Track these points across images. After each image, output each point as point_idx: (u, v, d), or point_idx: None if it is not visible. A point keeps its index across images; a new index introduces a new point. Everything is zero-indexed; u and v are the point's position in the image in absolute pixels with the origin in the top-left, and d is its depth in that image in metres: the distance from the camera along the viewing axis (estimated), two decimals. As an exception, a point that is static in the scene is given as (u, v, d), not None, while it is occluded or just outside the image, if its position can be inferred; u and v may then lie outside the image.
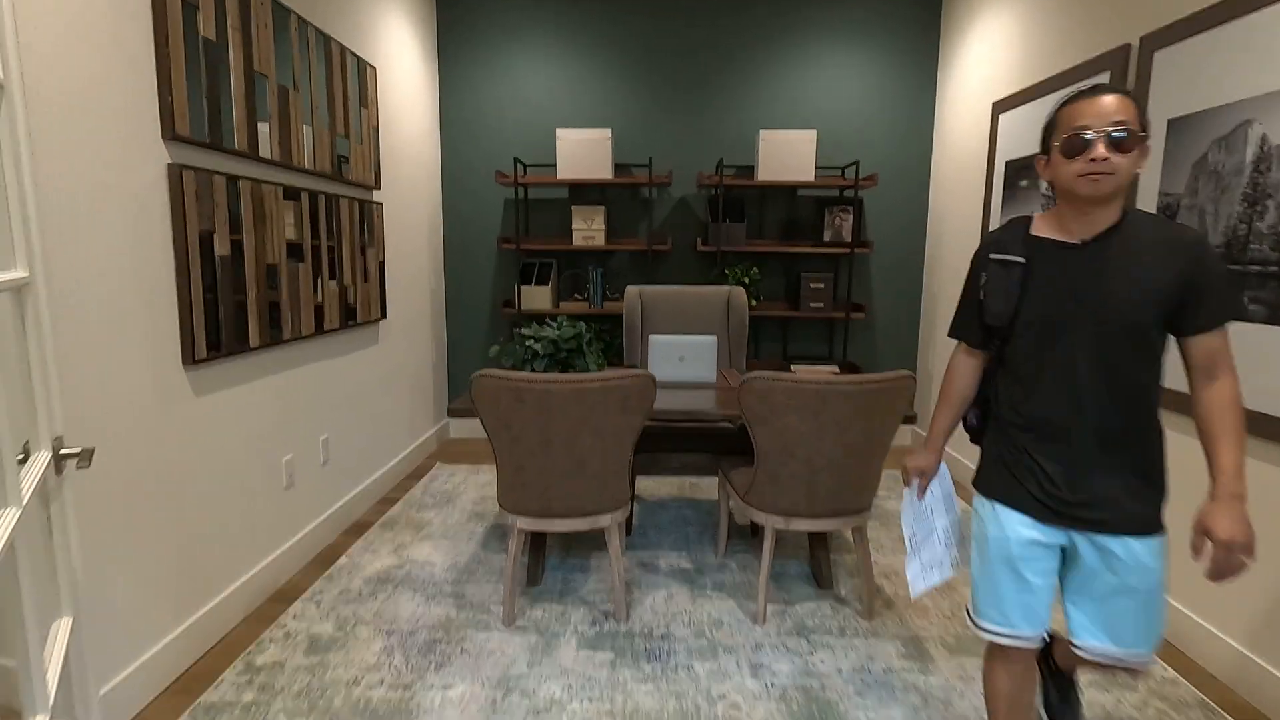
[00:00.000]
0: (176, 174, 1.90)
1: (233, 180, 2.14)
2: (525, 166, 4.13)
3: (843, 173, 4.19)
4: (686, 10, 4.10)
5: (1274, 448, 1.85)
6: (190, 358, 1.98)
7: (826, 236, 4.13)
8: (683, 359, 2.77)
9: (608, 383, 1.99)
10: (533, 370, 2.53)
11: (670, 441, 3.03)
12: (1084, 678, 1.99)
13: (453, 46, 4.16)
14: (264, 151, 2.30)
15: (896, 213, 4.27)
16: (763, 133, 3.86)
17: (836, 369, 4.01)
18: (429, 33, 4.04)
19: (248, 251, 2.23)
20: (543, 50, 4.15)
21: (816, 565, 2.58)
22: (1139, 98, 2.38)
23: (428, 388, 4.15)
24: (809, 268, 4.31)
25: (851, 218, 4.06)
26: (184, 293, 1.95)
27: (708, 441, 3.03)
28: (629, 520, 3.06)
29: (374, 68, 3.20)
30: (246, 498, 2.31)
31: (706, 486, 3.62)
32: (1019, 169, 3.16)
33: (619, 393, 2.01)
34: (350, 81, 2.95)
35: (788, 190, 4.22)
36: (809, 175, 3.89)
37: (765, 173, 3.90)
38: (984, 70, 3.53)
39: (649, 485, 3.63)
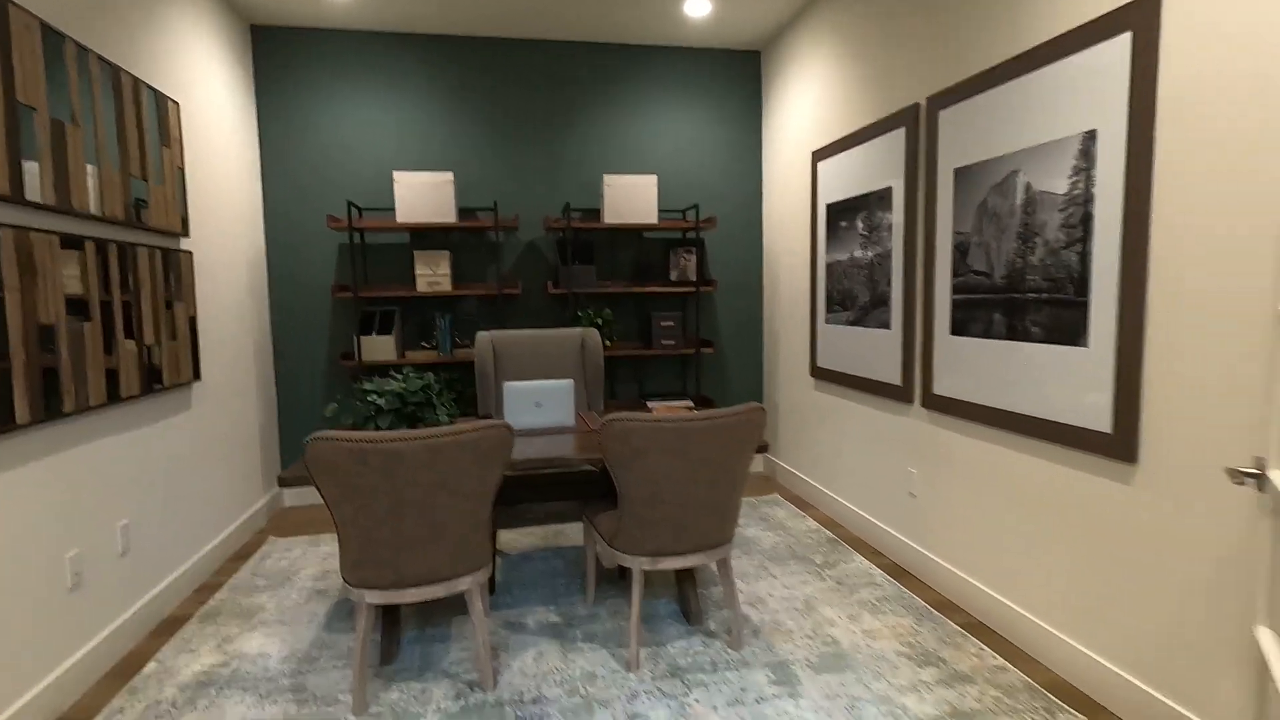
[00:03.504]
0: (-93, 221, 1.57)
1: (-10, 228, 1.80)
2: (360, 210, 3.91)
3: (684, 215, 4.39)
4: (525, 57, 4.14)
5: (1056, 449, 2.13)
6: (-70, 443, 1.61)
7: (673, 276, 4.28)
8: (539, 405, 2.70)
9: (461, 436, 1.87)
10: (377, 428, 2.34)
11: (531, 491, 2.93)
12: (928, 673, 2.13)
13: (273, 83, 3.88)
14: (31, 194, 1.97)
15: (736, 252, 4.52)
16: (607, 177, 3.95)
17: (691, 404, 4.12)
18: (243, 67, 3.74)
19: (10, 310, 1.88)
20: (375, 91, 3.99)
21: (685, 602, 2.59)
22: (930, 150, 2.72)
23: (254, 455, 3.72)
24: (659, 307, 4.44)
25: (695, 258, 4.24)
26: (-80, 364, 1.59)
27: (570, 488, 2.96)
28: (491, 579, 2.89)
29: (176, 102, 2.88)
30: (15, 608, 1.90)
31: (572, 533, 3.54)
32: (839, 211, 3.47)
33: (474, 445, 1.91)
34: (147, 116, 2.63)
35: (634, 233, 4.34)
36: (653, 218, 4.03)
37: (611, 216, 3.99)
38: (802, 122, 3.88)
39: (511, 538, 3.47)
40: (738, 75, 4.39)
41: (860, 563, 3.06)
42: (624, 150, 4.29)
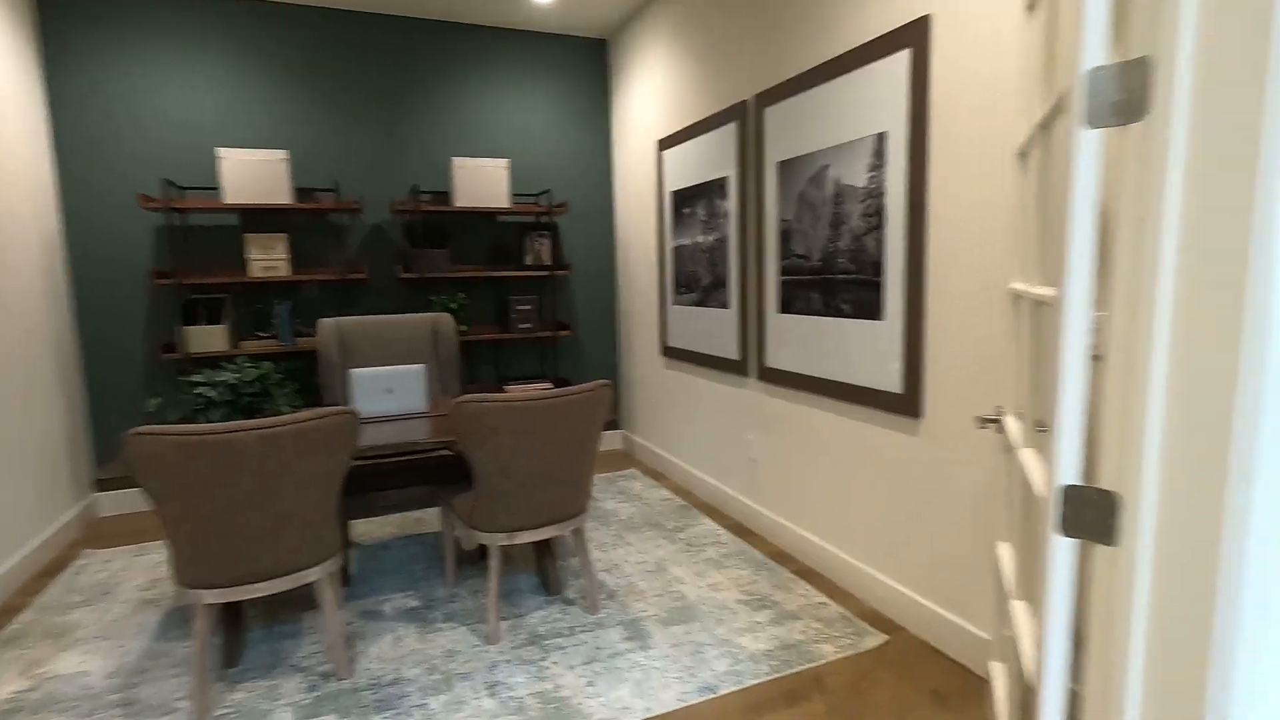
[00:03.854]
0: None
1: None
2: (182, 189, 3.58)
3: (537, 200, 4.43)
4: (366, 32, 3.96)
5: (864, 410, 2.46)
6: None
7: (528, 260, 4.32)
8: (391, 391, 2.67)
9: (302, 424, 1.84)
10: (209, 421, 2.22)
11: (387, 478, 2.89)
12: (763, 615, 2.40)
13: (64, 50, 3.44)
14: None
15: (590, 237, 4.64)
16: (455, 160, 3.91)
17: (550, 385, 4.21)
18: (24, 31, 3.28)
19: None
20: (197, 59, 3.65)
21: (545, 573, 2.69)
22: (757, 144, 2.96)
23: (58, 460, 3.34)
24: (515, 291, 4.46)
25: (550, 242, 4.31)
26: None
27: (427, 473, 2.95)
28: (345, 570, 2.83)
29: (-62, 62, 2.50)
30: None
31: (432, 519, 3.52)
32: (683, 198, 3.68)
33: (318, 433, 1.88)
34: (-101, 77, 2.27)
35: (487, 216, 4.32)
36: (505, 202, 4.04)
37: (462, 199, 3.95)
38: (648, 112, 4.04)
39: (368, 528, 3.40)
40: (586, 63, 4.48)
41: (708, 525, 3.32)
42: (473, 133, 4.25)
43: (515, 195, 4.38)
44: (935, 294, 2.13)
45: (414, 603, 2.59)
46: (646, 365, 4.37)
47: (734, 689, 2.01)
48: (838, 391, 2.57)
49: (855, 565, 2.57)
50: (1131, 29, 0.89)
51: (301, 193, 3.90)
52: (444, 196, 4.20)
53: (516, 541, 2.29)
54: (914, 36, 2.10)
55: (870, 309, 2.38)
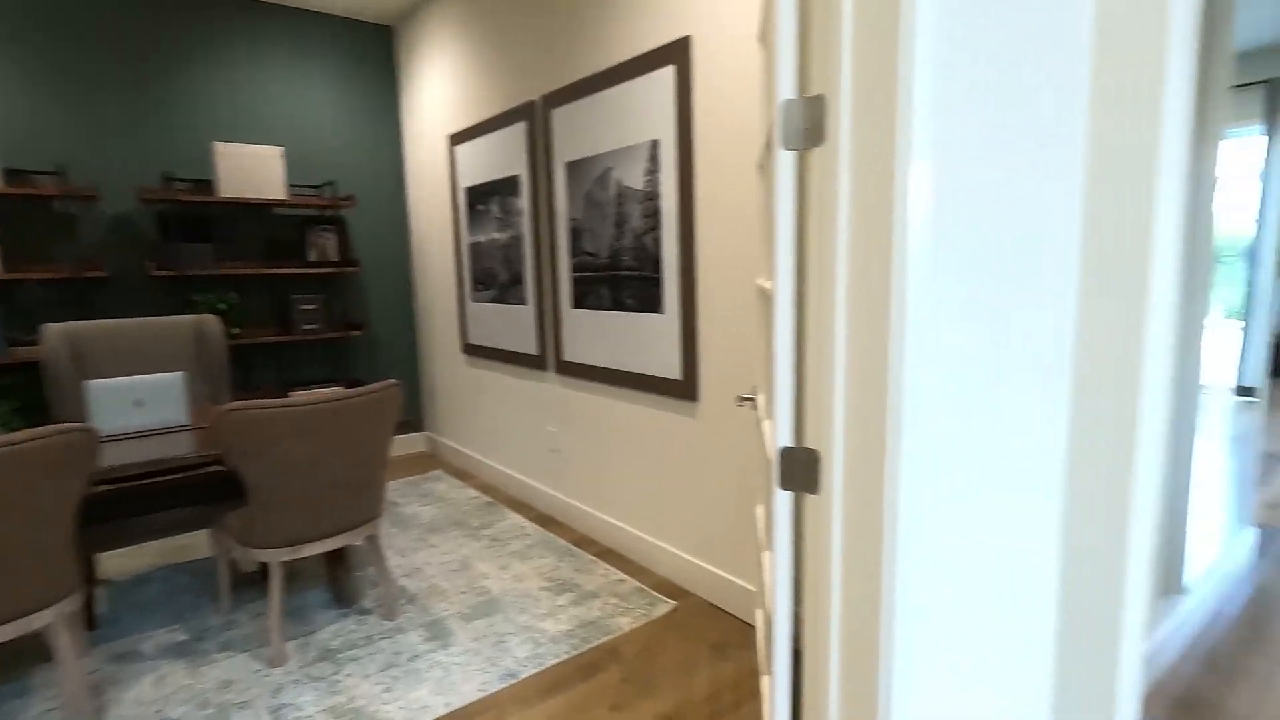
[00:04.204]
0: None
1: None
2: None
3: (319, 191, 4.13)
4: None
5: (651, 396, 2.65)
6: None
7: (312, 256, 4.03)
8: (141, 403, 2.37)
9: (16, 447, 1.59)
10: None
11: (142, 502, 2.55)
12: (564, 598, 2.50)
13: None
14: None
15: (382, 232, 4.43)
16: (218, 145, 3.53)
17: (342, 388, 3.96)
18: None
19: None
20: None
21: (337, 585, 2.56)
22: (546, 144, 3.05)
23: None
24: (298, 289, 4.13)
25: (336, 237, 4.05)
26: None
27: (193, 492, 2.65)
28: (89, 610, 2.47)
29: None
30: None
31: (202, 542, 3.16)
32: (478, 195, 3.66)
33: (38, 456, 1.63)
34: None
35: (262, 209, 3.95)
36: (280, 193, 3.72)
37: (228, 188, 3.57)
38: (439, 105, 3.95)
39: (122, 562, 2.97)
40: (372, 50, 4.26)
41: (514, 519, 3.36)
42: (241, 117, 3.86)
43: (294, 187, 4.05)
44: (705, 289, 2.36)
45: (182, 636, 2.34)
46: (448, 364, 4.28)
47: (535, 671, 2.09)
48: (628, 381, 2.74)
49: (649, 541, 2.77)
50: (813, 71, 1.09)
51: (11, 175, 3.28)
52: (206, 185, 3.77)
53: (301, 555, 2.16)
54: (677, 54, 2.30)
55: (653, 303, 2.57)
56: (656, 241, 2.51)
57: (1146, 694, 1.91)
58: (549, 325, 3.22)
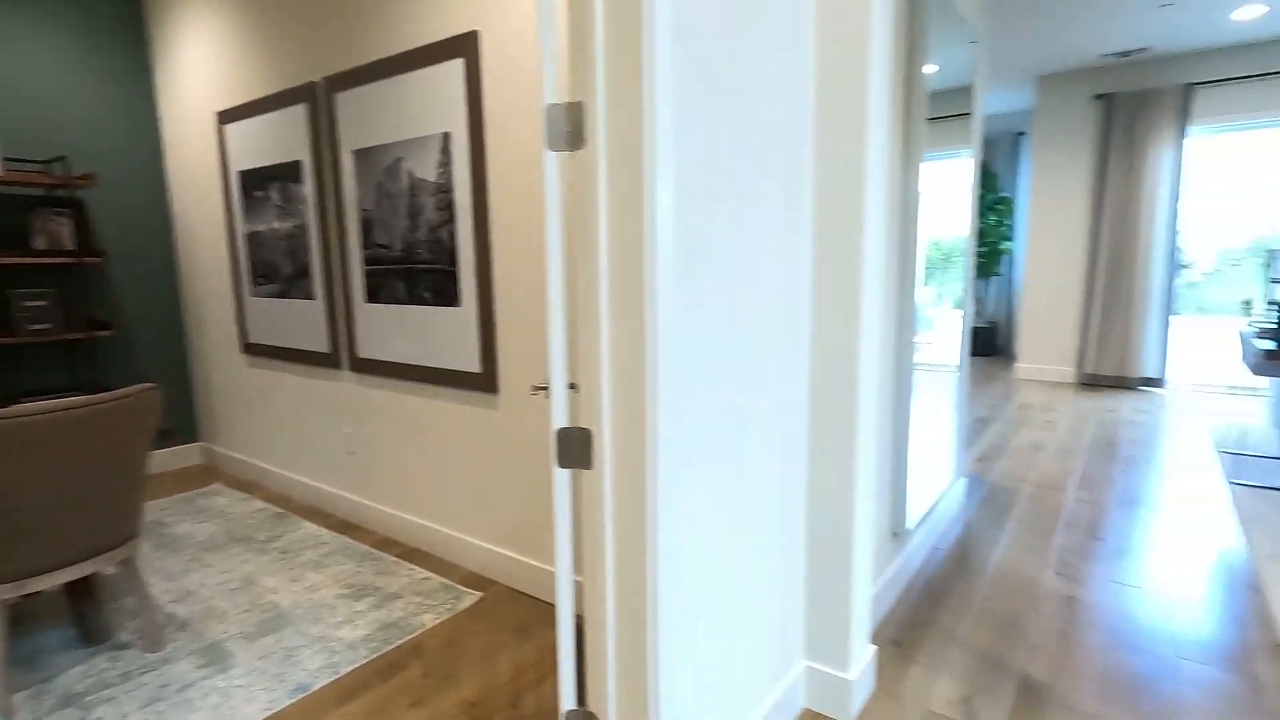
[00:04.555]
0: None
1: None
2: None
3: (46, 168, 3.52)
4: None
5: (451, 390, 2.63)
6: None
7: (39, 244, 3.42)
8: None
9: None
10: None
11: None
12: (364, 603, 2.41)
13: None
14: None
15: (136, 217, 3.87)
16: (-104, 105, 2.87)
17: (84, 396, 3.41)
18: None
19: None
20: None
21: (84, 621, 2.24)
22: (330, 129, 2.88)
23: None
24: (21, 283, 3.49)
25: (71, 222, 3.48)
26: None
27: None
28: None
29: None
30: None
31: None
32: (254, 180, 3.35)
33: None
34: None
35: (-37, 184, 3.27)
36: (-8, 168, 3.12)
37: (-87, 159, 2.92)
38: (203, 78, 3.54)
39: None
40: (111, 7, 3.70)
41: (308, 528, 3.14)
42: (-71, 70, 3.16)
43: (9, 161, 3.41)
44: (502, 281, 2.39)
45: None
46: (225, 365, 3.87)
47: (328, 681, 2.00)
48: (428, 376, 2.69)
49: (455, 536, 2.75)
50: (575, 78, 1.18)
51: None
52: (-121, 153, 3.04)
53: (29, 590, 1.87)
54: (465, 48, 2.30)
55: (449, 296, 2.55)
56: (452, 234, 2.49)
57: (881, 621, 2.29)
58: (341, 321, 3.05)
